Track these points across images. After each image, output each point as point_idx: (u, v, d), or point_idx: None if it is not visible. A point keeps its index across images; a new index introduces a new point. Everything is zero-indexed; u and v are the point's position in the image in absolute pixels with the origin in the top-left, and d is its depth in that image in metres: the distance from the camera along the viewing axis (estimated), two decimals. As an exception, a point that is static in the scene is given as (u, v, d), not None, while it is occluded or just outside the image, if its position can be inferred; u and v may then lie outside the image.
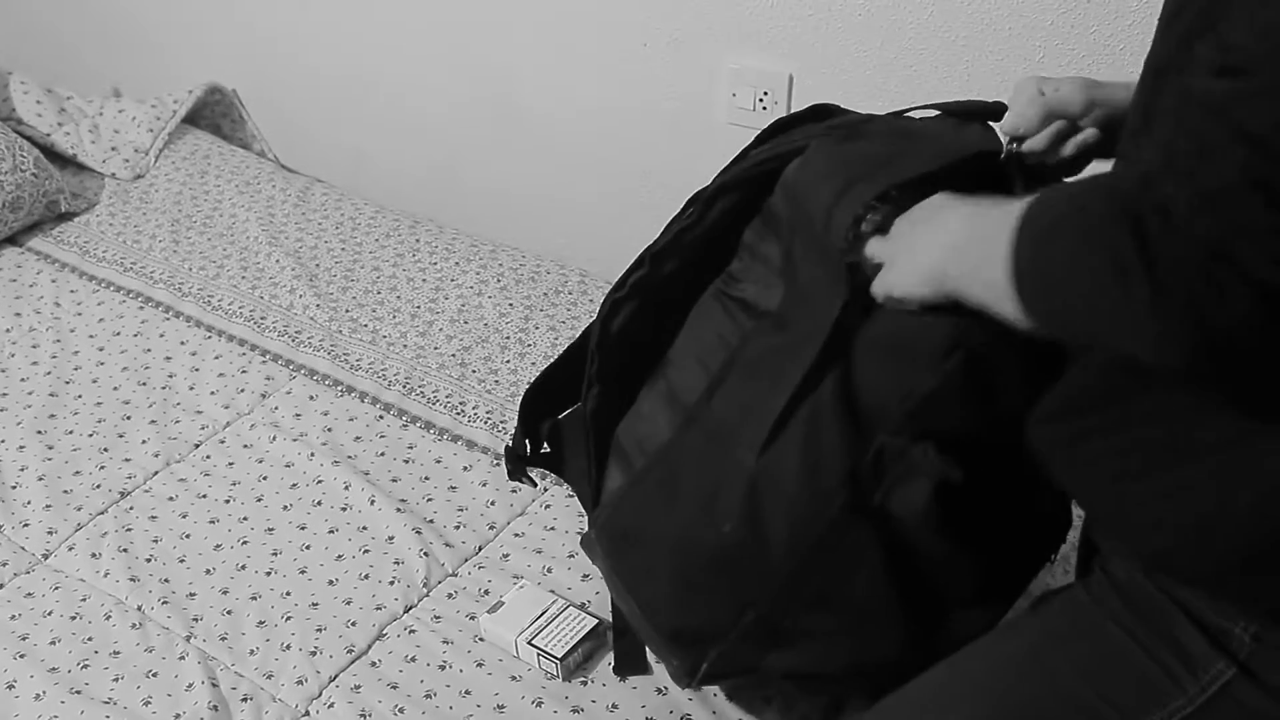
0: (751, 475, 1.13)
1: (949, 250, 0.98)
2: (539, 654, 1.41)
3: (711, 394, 1.19)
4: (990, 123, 1.18)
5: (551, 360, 1.57)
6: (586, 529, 1.36)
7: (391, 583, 1.55)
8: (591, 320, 1.35)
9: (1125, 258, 0.75)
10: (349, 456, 1.75)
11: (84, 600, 1.55)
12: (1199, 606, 0.95)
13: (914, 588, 1.14)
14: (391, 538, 1.61)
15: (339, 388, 1.88)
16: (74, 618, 1.52)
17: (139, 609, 1.53)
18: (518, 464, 1.44)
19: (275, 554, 1.60)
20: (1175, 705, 0.95)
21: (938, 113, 1.22)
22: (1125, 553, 1.01)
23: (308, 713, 1.40)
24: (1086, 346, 0.96)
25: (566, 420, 1.42)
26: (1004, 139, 1.14)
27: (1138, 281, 0.74)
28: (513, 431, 1.56)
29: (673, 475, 1.22)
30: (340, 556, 1.59)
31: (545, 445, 1.47)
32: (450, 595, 1.54)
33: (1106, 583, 1.02)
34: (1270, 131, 0.70)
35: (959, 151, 1.12)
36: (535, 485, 1.48)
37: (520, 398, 1.52)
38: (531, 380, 1.56)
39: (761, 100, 1.97)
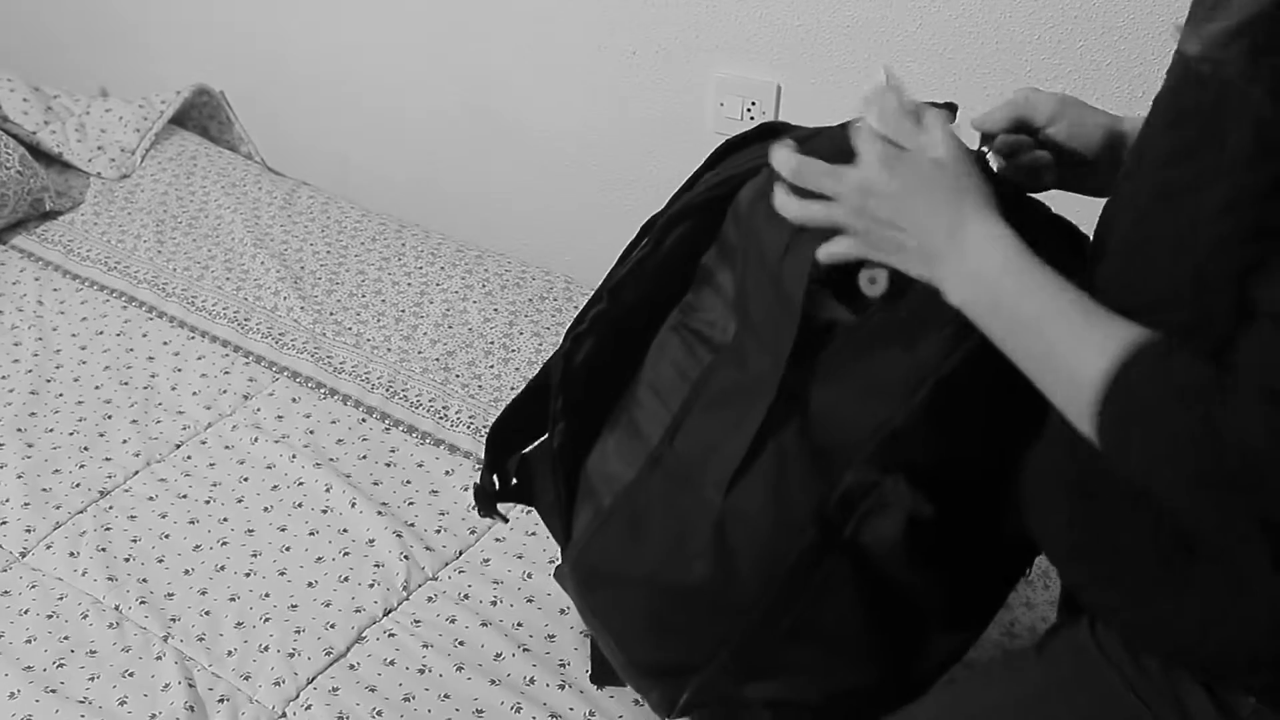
0: (719, 514, 1.12)
1: (983, 302, 0.94)
2: None
3: (674, 433, 1.18)
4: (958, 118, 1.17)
5: (531, 362, 1.56)
6: (560, 562, 1.35)
7: (371, 585, 1.55)
8: (554, 353, 1.33)
9: (1231, 475, 0.79)
10: (331, 459, 1.74)
11: (61, 599, 1.54)
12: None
13: (887, 616, 1.14)
14: (372, 541, 1.61)
15: (322, 390, 1.88)
16: (50, 616, 1.52)
17: (116, 608, 1.53)
18: (487, 501, 1.43)
19: (255, 555, 1.60)
20: None
21: None
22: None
23: (285, 714, 1.39)
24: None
25: (534, 453, 1.41)
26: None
27: (1242, 497, 0.79)
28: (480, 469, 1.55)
29: (639, 515, 1.20)
30: (320, 559, 1.59)
31: (514, 480, 1.46)
32: (430, 599, 1.53)
33: (1110, 633, 1.01)
34: None
35: None
36: (506, 521, 1.48)
37: (503, 404, 1.51)
38: (507, 396, 1.54)
39: (749, 110, 1.98)
